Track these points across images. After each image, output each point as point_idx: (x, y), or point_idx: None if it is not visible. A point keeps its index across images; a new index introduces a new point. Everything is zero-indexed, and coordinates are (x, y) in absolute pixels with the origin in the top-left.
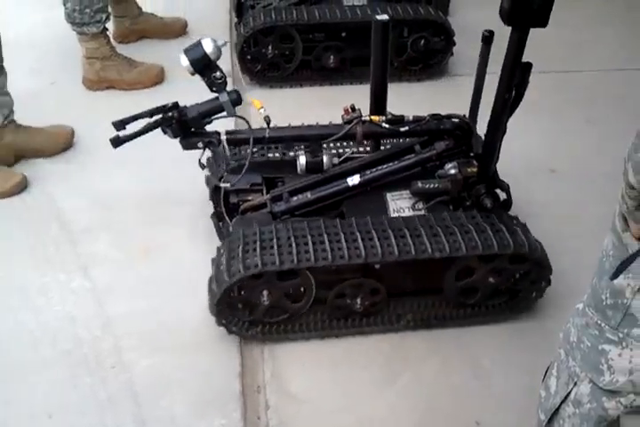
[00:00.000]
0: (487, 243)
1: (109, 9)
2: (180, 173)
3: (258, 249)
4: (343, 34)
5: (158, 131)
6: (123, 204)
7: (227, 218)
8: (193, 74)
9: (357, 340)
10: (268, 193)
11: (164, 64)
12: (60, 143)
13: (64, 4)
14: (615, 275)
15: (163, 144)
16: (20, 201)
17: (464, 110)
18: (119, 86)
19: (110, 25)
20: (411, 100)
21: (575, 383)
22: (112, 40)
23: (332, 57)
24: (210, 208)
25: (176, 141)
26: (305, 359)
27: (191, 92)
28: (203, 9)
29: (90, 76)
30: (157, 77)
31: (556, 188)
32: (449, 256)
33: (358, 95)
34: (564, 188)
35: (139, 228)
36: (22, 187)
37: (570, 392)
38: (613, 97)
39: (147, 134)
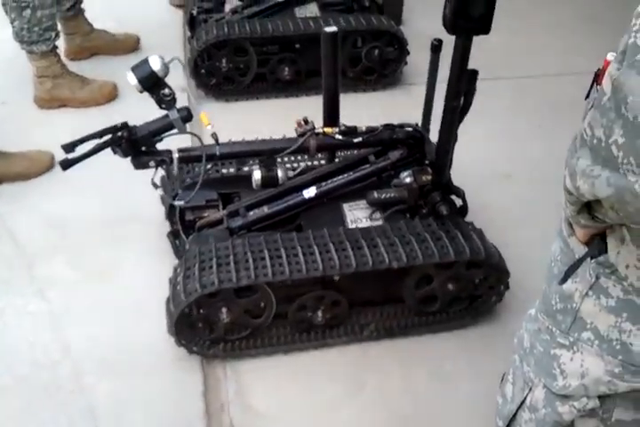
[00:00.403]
0: (443, 251)
1: (59, 26)
2: (136, 192)
3: (214, 266)
4: (297, 46)
5: None
6: (78, 224)
7: (183, 236)
8: (142, 91)
9: (321, 352)
10: (224, 209)
11: (116, 81)
12: (44, 167)
13: (11, 23)
14: (563, 279)
15: (118, 163)
16: None
17: (419, 119)
18: (72, 104)
19: (61, 42)
20: (367, 110)
21: (530, 389)
22: (63, 58)
23: (286, 69)
24: (166, 227)
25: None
26: (269, 375)
27: (145, 108)
28: (155, 24)
29: (42, 95)
30: (110, 94)
31: (512, 193)
32: (406, 266)
33: (314, 106)
34: (520, 192)
35: (95, 248)
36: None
37: (525, 398)
38: (563, 102)
39: (102, 153)
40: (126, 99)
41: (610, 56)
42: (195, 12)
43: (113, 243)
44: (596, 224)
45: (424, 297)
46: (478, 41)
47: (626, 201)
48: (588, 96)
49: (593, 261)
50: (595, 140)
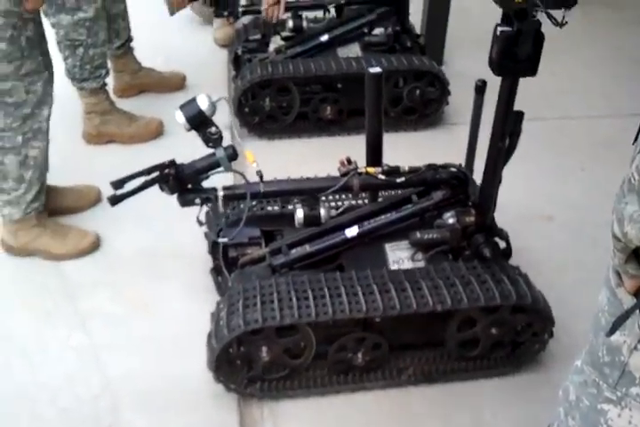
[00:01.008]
0: (489, 294)
1: (109, 64)
2: (181, 227)
3: (258, 304)
4: (339, 85)
5: None
6: (122, 257)
7: (225, 272)
8: (189, 130)
9: (358, 396)
10: (266, 246)
11: (163, 117)
12: (91, 201)
13: (64, 60)
14: (611, 331)
15: (163, 199)
16: None
17: (462, 159)
18: (119, 140)
19: (110, 79)
20: (408, 149)
21: None
22: (112, 95)
23: (328, 108)
24: (209, 263)
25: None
26: (305, 417)
27: (190, 144)
28: (201, 63)
29: (90, 131)
30: (156, 131)
31: (554, 235)
32: (450, 309)
33: (355, 146)
34: (562, 235)
35: (138, 282)
36: (97, 245)
37: None
38: (604, 144)
39: (149, 188)
40: (172, 135)
41: None
42: (239, 52)
43: (156, 277)
44: None
45: (465, 341)
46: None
47: None
48: (635, 140)
49: None
50: None
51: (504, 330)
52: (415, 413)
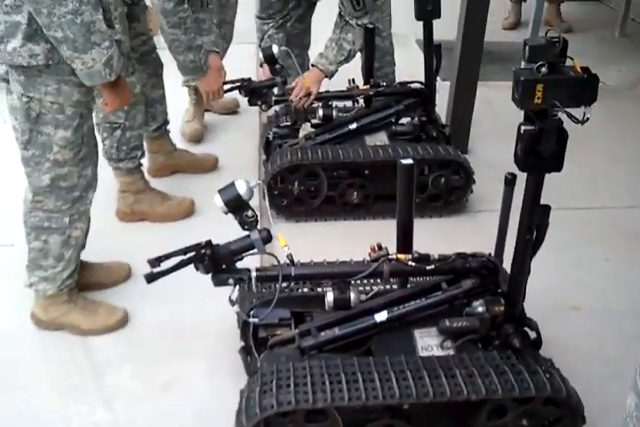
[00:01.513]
0: (524, 385)
1: (145, 145)
2: (208, 305)
3: (292, 385)
4: (366, 171)
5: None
6: (148, 334)
7: (255, 352)
8: (226, 213)
9: None
10: (296, 328)
11: (194, 197)
12: (122, 278)
13: (102, 141)
14: None
15: (193, 276)
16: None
17: (486, 246)
18: (151, 219)
19: (145, 160)
20: (433, 235)
21: None
22: (146, 174)
23: (355, 193)
24: (235, 341)
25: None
26: None
27: (219, 224)
28: (233, 146)
29: (123, 209)
30: (188, 210)
31: (581, 325)
32: (485, 398)
33: (380, 230)
34: (589, 325)
35: (163, 360)
36: (125, 322)
37: None
38: (631, 234)
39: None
40: (202, 215)
41: None
42: (270, 137)
43: (181, 355)
44: None
45: None
46: None
47: None
48: None
49: None
50: None
51: (534, 422)
52: None
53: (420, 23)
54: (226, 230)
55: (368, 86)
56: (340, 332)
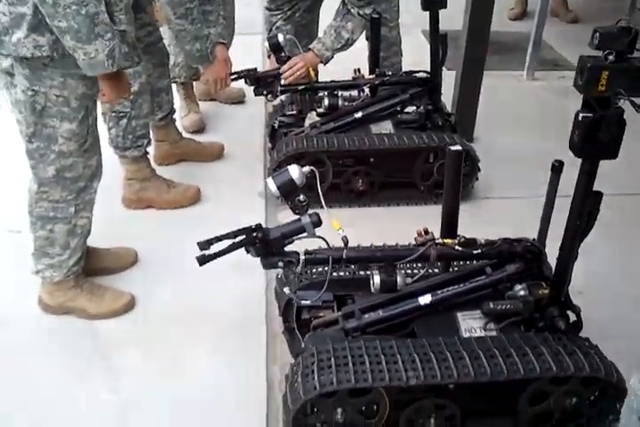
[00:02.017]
0: (562, 365)
1: (151, 134)
2: (213, 289)
3: (333, 366)
4: (371, 159)
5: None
6: (156, 317)
7: (298, 334)
8: (279, 197)
9: None
10: (338, 310)
11: (200, 185)
12: (128, 263)
13: (108, 130)
14: None
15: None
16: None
17: (492, 233)
18: (158, 206)
19: (151, 148)
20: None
21: None
22: (152, 162)
23: (360, 181)
24: (241, 325)
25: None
26: None
27: (225, 210)
28: (239, 135)
29: (129, 196)
30: (194, 198)
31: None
32: (523, 378)
33: (386, 217)
34: (593, 311)
35: (170, 343)
36: (131, 306)
37: None
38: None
39: (184, 245)
40: (208, 202)
41: None
42: (276, 126)
43: (187, 338)
44: None
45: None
46: None
47: None
48: None
49: None
50: None
51: (577, 403)
52: None
53: (426, 13)
54: (232, 217)
55: (374, 76)
56: (384, 314)
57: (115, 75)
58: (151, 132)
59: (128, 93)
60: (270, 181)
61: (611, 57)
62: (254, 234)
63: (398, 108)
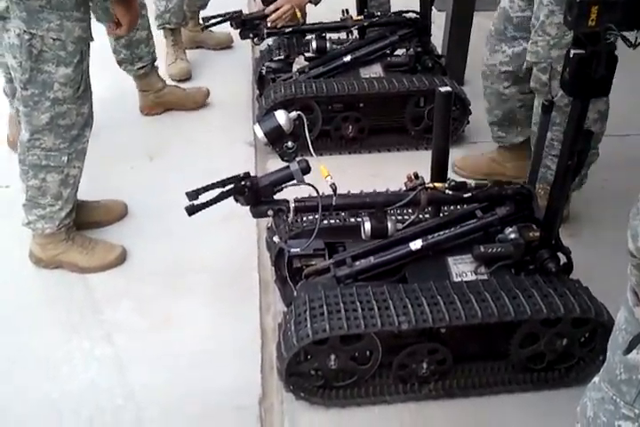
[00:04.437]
0: (552, 307)
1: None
2: (205, 241)
3: (325, 313)
4: (361, 105)
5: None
6: (147, 270)
7: (290, 282)
8: (266, 144)
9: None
10: (330, 258)
11: (189, 134)
12: (118, 216)
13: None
14: (628, 350)
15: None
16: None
17: None
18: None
19: (136, 99)
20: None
21: None
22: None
23: (350, 127)
24: (235, 276)
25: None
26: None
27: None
28: (226, 82)
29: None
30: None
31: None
32: (514, 320)
33: (377, 163)
34: (585, 253)
35: (162, 296)
36: (123, 259)
37: None
38: (627, 162)
39: (173, 201)
40: (196, 151)
41: None
42: (264, 72)
43: (180, 291)
44: None
45: (531, 356)
46: None
47: None
48: None
49: None
50: None
51: (568, 344)
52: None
53: None
54: (221, 166)
55: (362, 17)
56: (375, 260)
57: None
58: (134, 82)
59: (137, 18)
60: (257, 127)
61: None
62: (243, 183)
63: (387, 51)
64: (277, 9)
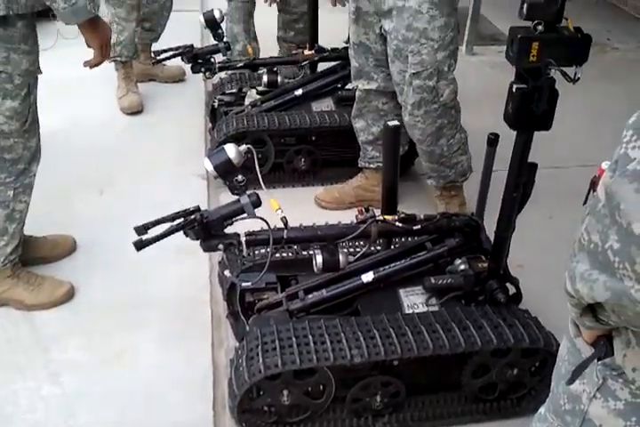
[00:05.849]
0: (502, 337)
1: None
2: (154, 276)
3: (277, 348)
4: (313, 138)
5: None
6: (94, 307)
7: (242, 317)
8: (216, 177)
9: None
10: (282, 291)
11: (141, 168)
12: (66, 251)
13: None
14: (571, 380)
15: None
16: None
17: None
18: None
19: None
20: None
21: None
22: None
23: (302, 160)
24: (182, 311)
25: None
26: None
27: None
28: (179, 115)
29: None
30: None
31: (524, 283)
32: (465, 351)
33: None
34: (532, 283)
35: (111, 332)
36: (71, 295)
37: None
38: (573, 193)
39: (121, 237)
40: (149, 186)
41: (604, 165)
42: (216, 105)
43: (129, 327)
44: (601, 326)
45: (483, 386)
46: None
47: (624, 305)
48: (585, 202)
49: (600, 362)
50: (592, 245)
51: (519, 373)
52: None
53: None
54: (173, 200)
55: (313, 51)
56: (328, 293)
57: (94, 20)
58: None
59: (109, 37)
60: (207, 161)
61: (540, 27)
62: (192, 216)
63: (339, 85)
64: None
